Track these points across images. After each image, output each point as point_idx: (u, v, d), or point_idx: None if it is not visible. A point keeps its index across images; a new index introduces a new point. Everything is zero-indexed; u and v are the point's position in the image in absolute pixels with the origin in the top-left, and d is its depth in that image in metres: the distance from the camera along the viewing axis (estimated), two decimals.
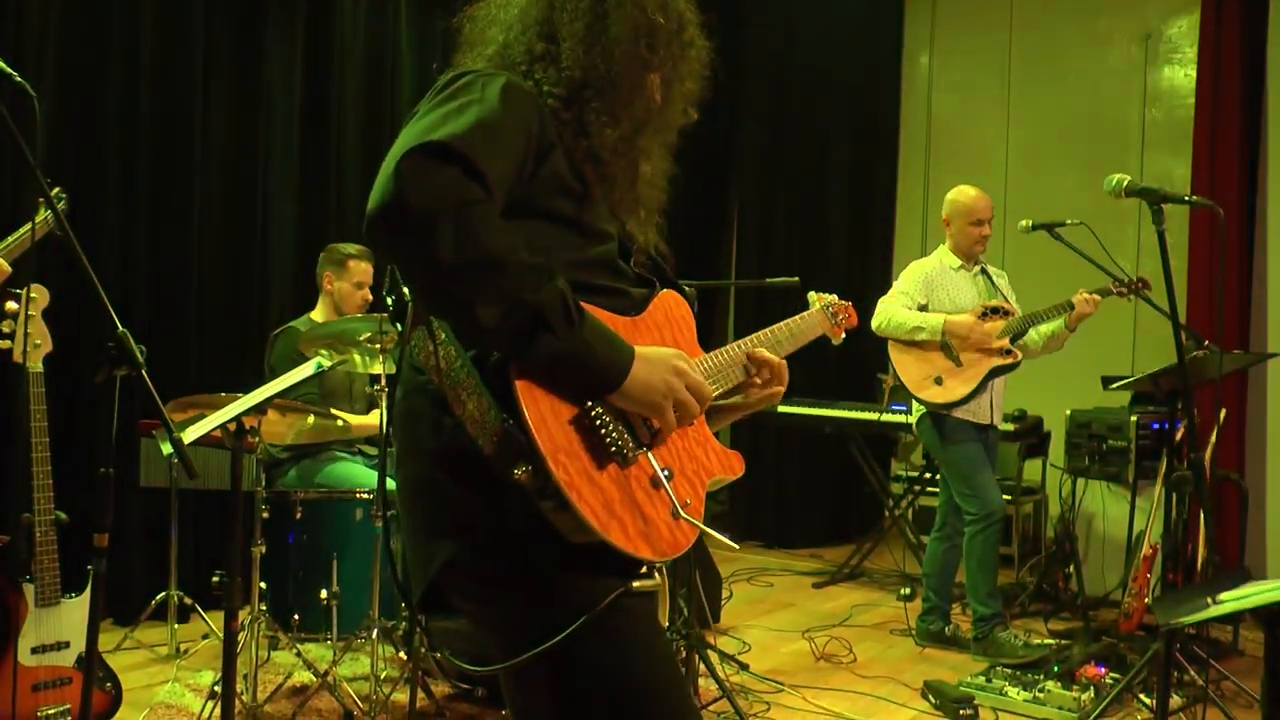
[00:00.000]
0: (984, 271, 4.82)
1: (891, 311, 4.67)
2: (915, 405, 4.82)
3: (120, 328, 2.05)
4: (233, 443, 2.87)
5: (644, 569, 1.50)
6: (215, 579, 2.72)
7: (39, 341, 3.27)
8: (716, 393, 1.73)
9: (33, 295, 3.30)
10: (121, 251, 4.86)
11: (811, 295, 2.12)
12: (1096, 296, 4.48)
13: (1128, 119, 6.79)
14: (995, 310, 4.59)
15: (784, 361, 1.84)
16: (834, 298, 2.14)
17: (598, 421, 1.48)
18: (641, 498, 1.50)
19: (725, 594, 5.49)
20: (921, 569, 5.10)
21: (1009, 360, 4.59)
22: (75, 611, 3.20)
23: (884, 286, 4.96)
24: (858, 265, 7.46)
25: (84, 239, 2.66)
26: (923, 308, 4.69)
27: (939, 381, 4.60)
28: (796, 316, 2.01)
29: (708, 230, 7.85)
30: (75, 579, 3.24)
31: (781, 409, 6.37)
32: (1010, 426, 5.73)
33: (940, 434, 4.69)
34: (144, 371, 2.04)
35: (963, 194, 4.78)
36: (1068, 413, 5.71)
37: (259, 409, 2.84)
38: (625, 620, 1.49)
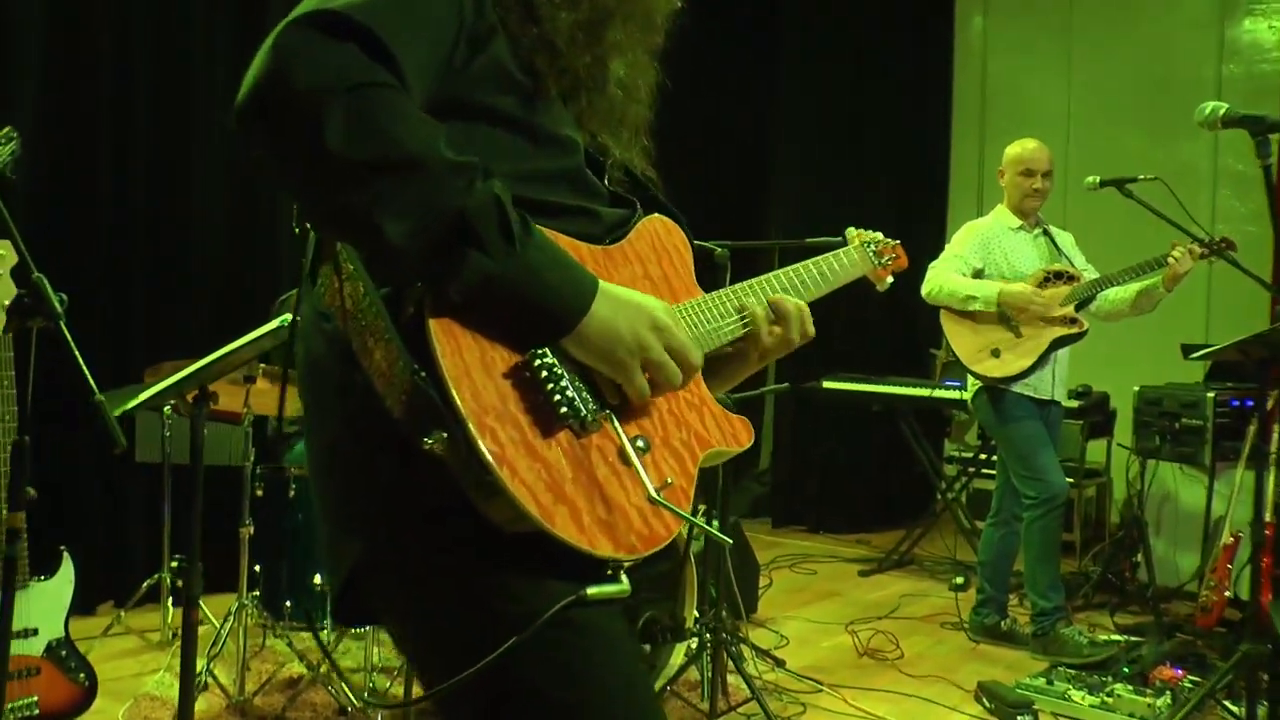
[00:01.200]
0: (1046, 232, 4.41)
1: (943, 278, 4.28)
2: (970, 380, 4.43)
3: (36, 272, 1.75)
4: (189, 410, 2.57)
5: (609, 569, 1.16)
6: (174, 563, 2.42)
7: (5, 302, 3.02)
8: (712, 347, 1.39)
9: (1, 253, 3.06)
10: (116, 217, 4.61)
11: (850, 231, 1.76)
12: (1196, 247, 4.01)
13: (1201, 76, 6.33)
14: (1059, 275, 4.19)
15: (804, 306, 1.48)
16: (878, 235, 1.77)
17: (544, 374, 1.15)
18: (604, 476, 1.17)
19: (764, 582, 5.15)
20: (976, 557, 4.72)
21: (1074, 330, 4.19)
22: (45, 596, 2.97)
23: (937, 252, 4.56)
24: (909, 231, 7.01)
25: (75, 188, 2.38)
26: (978, 273, 4.30)
27: (996, 354, 4.20)
28: (829, 254, 1.65)
29: (745, 194, 7.47)
30: (46, 560, 3.02)
31: (827, 384, 6.01)
32: (1074, 403, 5.31)
33: (997, 411, 4.30)
34: (62, 323, 1.75)
35: (1017, 144, 4.42)
36: (1136, 389, 5.29)
37: (212, 373, 2.53)
38: (577, 639, 1.16)
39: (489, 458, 1.07)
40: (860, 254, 1.72)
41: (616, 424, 1.19)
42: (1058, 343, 4.21)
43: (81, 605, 4.16)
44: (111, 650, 3.94)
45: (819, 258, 1.61)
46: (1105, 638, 4.31)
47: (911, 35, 7.21)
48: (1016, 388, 4.26)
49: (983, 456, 6.00)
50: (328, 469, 1.24)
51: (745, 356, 1.45)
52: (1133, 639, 4.28)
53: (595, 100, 1.33)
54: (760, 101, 7.40)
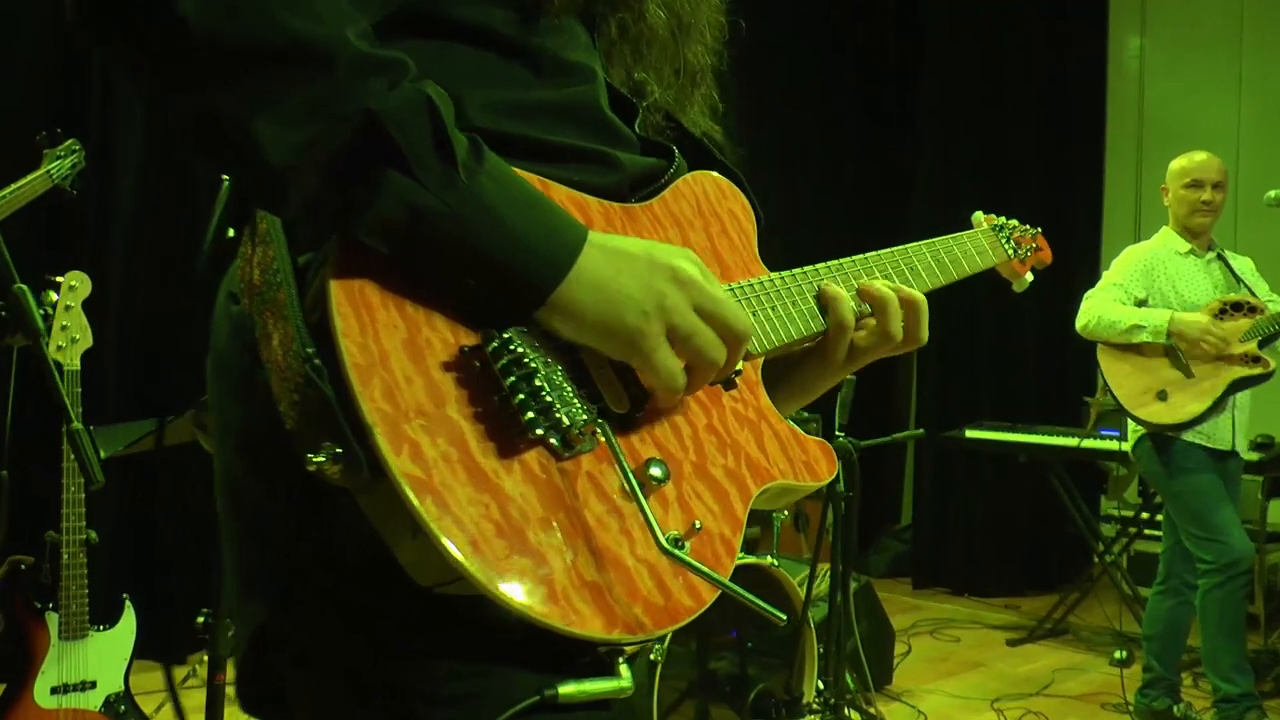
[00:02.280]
0: (1221, 257, 3.90)
1: (1102, 308, 3.81)
2: (1132, 427, 3.92)
3: (18, 283, 1.54)
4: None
5: (603, 655, 0.83)
6: (200, 619, 2.19)
7: (77, 336, 2.90)
8: (778, 343, 1.05)
9: (73, 284, 2.94)
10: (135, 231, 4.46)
11: (977, 216, 1.40)
12: None
13: None
14: (1238, 306, 3.68)
15: (916, 295, 1.14)
16: (1014, 222, 1.41)
17: (505, 364, 0.84)
18: (596, 518, 0.85)
19: (901, 649, 4.69)
20: (1141, 629, 4.16)
21: (1256, 370, 3.66)
22: (105, 646, 2.82)
23: (1090, 284, 4.09)
24: (1060, 261, 6.47)
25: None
26: (1141, 303, 3.83)
27: (1163, 396, 3.70)
28: (949, 236, 1.30)
29: (886, 220, 7.06)
30: (107, 608, 2.85)
31: (970, 433, 5.52)
32: (1254, 456, 4.70)
33: (1165, 462, 3.79)
34: (42, 340, 1.53)
35: (1182, 157, 3.95)
36: None
37: None
38: None
39: (403, 483, 0.76)
40: (990, 240, 1.36)
41: (612, 437, 0.86)
42: (1237, 385, 3.69)
43: (168, 653, 4.04)
44: (194, 703, 3.75)
45: (935, 239, 1.26)
46: None
47: (1060, 57, 6.75)
48: (1188, 436, 3.74)
49: (1145, 515, 5.39)
50: (228, 499, 0.95)
51: (826, 359, 1.10)
52: None
53: (629, 24, 1.03)
54: (902, 124, 7.04)
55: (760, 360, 1.05)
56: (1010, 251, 1.37)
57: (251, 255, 0.89)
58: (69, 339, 2.87)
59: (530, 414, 0.83)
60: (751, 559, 3.24)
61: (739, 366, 1.00)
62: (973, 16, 6.59)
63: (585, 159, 0.97)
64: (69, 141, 3.04)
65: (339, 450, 0.76)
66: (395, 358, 0.80)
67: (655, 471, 0.87)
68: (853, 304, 1.10)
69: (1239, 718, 3.70)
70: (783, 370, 1.11)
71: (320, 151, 0.77)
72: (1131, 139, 6.78)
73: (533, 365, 0.84)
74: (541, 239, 0.84)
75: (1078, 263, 6.45)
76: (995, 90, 6.65)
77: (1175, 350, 3.70)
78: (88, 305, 2.90)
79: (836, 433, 3.32)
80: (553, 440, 0.84)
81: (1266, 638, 5.02)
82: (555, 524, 0.82)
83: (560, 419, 0.84)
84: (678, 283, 0.88)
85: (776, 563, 3.32)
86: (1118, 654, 4.82)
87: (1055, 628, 5.42)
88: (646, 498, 0.86)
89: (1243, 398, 3.80)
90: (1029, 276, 1.41)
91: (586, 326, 0.86)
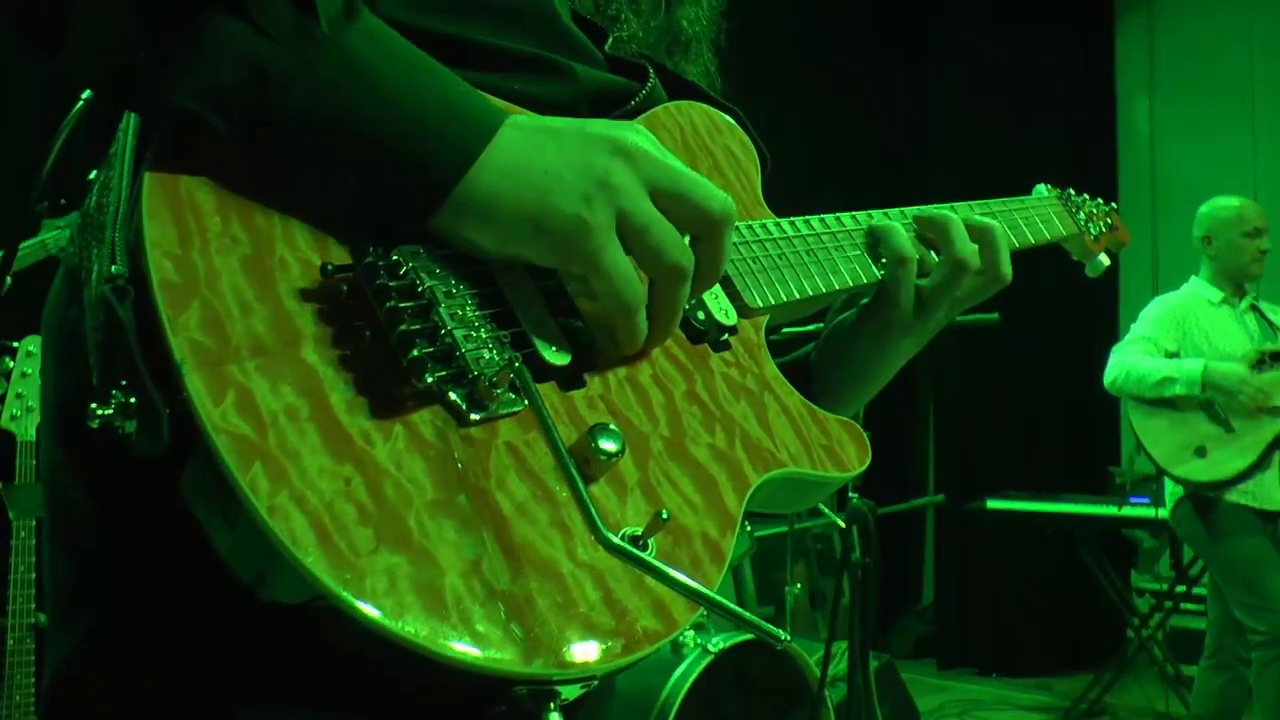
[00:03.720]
0: (1255, 307, 3.68)
1: (1131, 361, 3.59)
2: (1170, 489, 3.66)
3: None
4: None
5: (521, 697, 0.61)
6: None
7: (33, 404, 2.70)
8: (789, 298, 0.85)
9: (29, 350, 2.75)
10: None
11: (1041, 187, 1.20)
12: None
13: None
14: (1277, 356, 3.45)
15: (993, 223, 0.94)
16: (1085, 195, 1.22)
17: (390, 287, 0.64)
18: (519, 504, 0.64)
19: None
20: (1190, 708, 3.85)
21: None
22: None
23: (1107, 343, 3.88)
24: (1076, 317, 6.27)
25: None
26: (1172, 356, 3.61)
27: (1202, 453, 3.46)
28: (1011, 198, 1.10)
29: None
30: None
31: (992, 504, 5.24)
32: None
33: (1209, 525, 3.54)
34: None
35: (1224, 204, 3.75)
36: None
37: None
38: None
39: (217, 441, 0.56)
40: (1058, 210, 1.15)
41: (530, 383, 0.64)
42: None
43: None
44: None
45: (992, 200, 1.06)
46: None
47: (1069, 119, 6.64)
48: (1232, 496, 3.49)
49: (1181, 589, 5.09)
50: (48, 500, 0.74)
51: (890, 316, 0.90)
52: None
53: None
54: (909, 191, 6.89)
55: (764, 321, 0.85)
56: (1081, 224, 1.17)
57: (95, 182, 0.70)
58: (24, 408, 2.68)
59: (416, 352, 0.61)
60: (759, 624, 2.98)
61: (731, 321, 0.79)
62: (982, 80, 6.50)
63: (531, 67, 0.78)
64: (73, 214, 2.87)
65: (132, 400, 0.56)
66: (229, 278, 0.60)
67: (605, 444, 0.65)
68: (910, 238, 0.89)
69: None
70: (835, 348, 0.92)
71: None
72: (1145, 196, 6.64)
73: (427, 294, 0.64)
74: (440, 114, 0.64)
75: (1096, 320, 6.25)
76: (1006, 150, 6.53)
77: (1212, 404, 3.47)
78: None
79: (850, 494, 3.08)
80: (453, 395, 0.63)
81: None
82: (453, 510, 0.60)
83: (464, 364, 0.63)
84: (624, 155, 0.68)
85: (789, 638, 3.06)
86: None
87: (1092, 709, 5.12)
88: (595, 478, 0.65)
89: None
90: (1104, 258, 1.21)
91: (504, 226, 0.65)
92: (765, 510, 0.78)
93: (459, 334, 0.64)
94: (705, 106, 0.90)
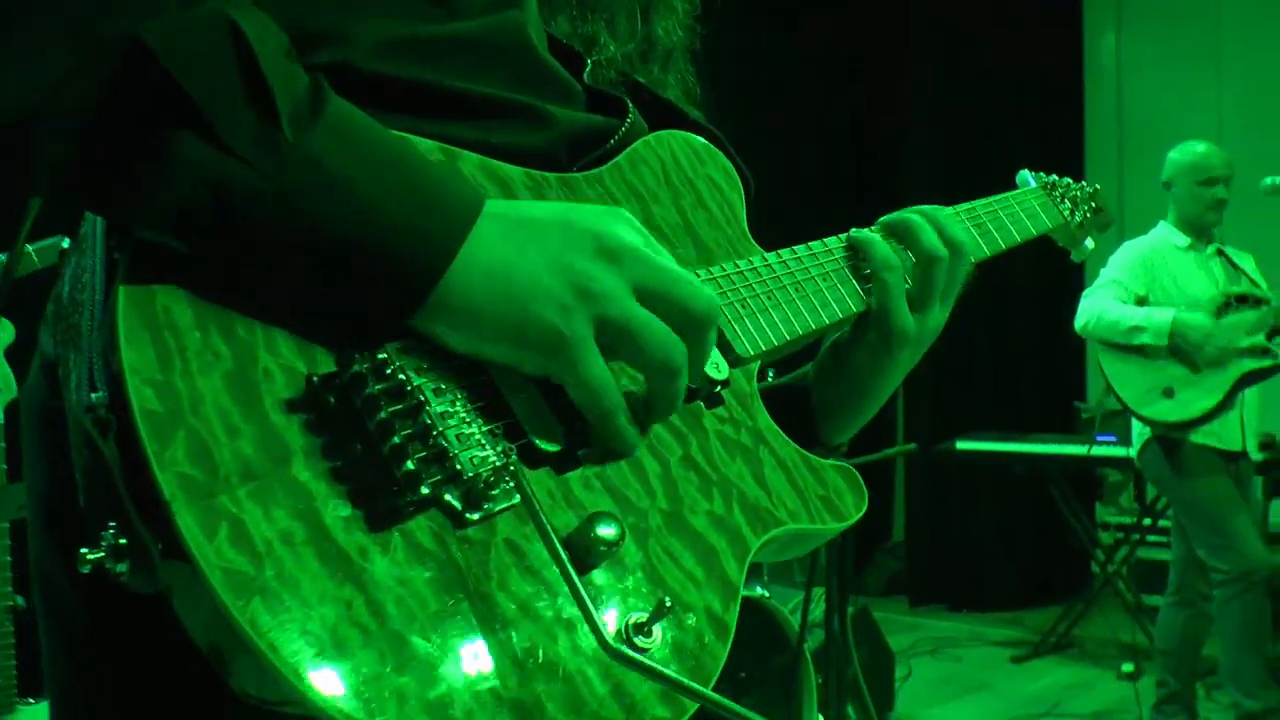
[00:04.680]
0: (1221, 253, 3.71)
1: (1102, 307, 3.62)
2: (1138, 430, 3.72)
3: None
4: None
5: None
6: None
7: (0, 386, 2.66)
8: (779, 341, 0.84)
9: None
10: None
11: (1024, 174, 1.19)
12: None
13: None
14: (1242, 299, 3.50)
15: (941, 208, 0.95)
16: (1067, 179, 1.21)
17: (375, 393, 0.62)
18: (524, 603, 0.63)
19: (901, 672, 4.46)
20: (1154, 643, 3.95)
21: (1266, 363, 3.48)
22: None
23: (1076, 287, 3.91)
24: (1043, 263, 6.29)
25: None
26: (1142, 301, 3.64)
27: (1170, 394, 3.50)
28: (1001, 196, 1.10)
29: (865, 225, 6.91)
30: (39, 680, 2.61)
31: (962, 445, 5.30)
32: (1258, 456, 4.52)
33: (1175, 466, 3.59)
34: None
35: (1188, 149, 3.75)
36: None
37: None
38: None
39: (213, 581, 0.55)
40: (1042, 201, 1.15)
41: (526, 484, 0.64)
42: (1247, 379, 3.50)
43: None
44: None
45: (977, 201, 1.05)
46: None
47: (1036, 55, 6.60)
48: (1197, 437, 3.54)
49: (1146, 522, 5.19)
50: (39, 589, 0.73)
51: (886, 332, 0.89)
52: None
53: None
54: (882, 134, 6.87)
55: (755, 368, 0.84)
56: (1067, 213, 1.16)
57: (66, 267, 0.68)
58: None
59: (411, 464, 0.60)
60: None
61: (723, 375, 0.78)
62: (954, 19, 6.45)
63: (507, 113, 0.75)
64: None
65: (123, 541, 0.55)
66: (212, 400, 0.58)
67: (604, 531, 0.65)
68: (890, 245, 0.90)
69: None
70: (835, 366, 0.91)
71: (70, 98, 0.55)
72: (1112, 137, 6.64)
73: (416, 394, 0.63)
74: (412, 211, 0.62)
75: (1062, 260, 6.28)
76: (975, 91, 6.50)
77: (1180, 348, 3.51)
78: (11, 354, 2.65)
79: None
80: (449, 498, 0.62)
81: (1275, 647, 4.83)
82: (457, 619, 0.60)
83: (457, 465, 0.62)
84: (607, 255, 0.66)
85: (768, 594, 3.10)
86: (1125, 667, 4.62)
87: (1061, 641, 5.22)
88: (597, 565, 0.64)
89: (1250, 396, 3.61)
90: (1090, 243, 1.21)
91: (485, 332, 0.64)
92: (760, 560, 0.78)
93: (451, 434, 0.63)
94: (685, 135, 0.87)
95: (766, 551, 0.77)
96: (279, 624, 0.55)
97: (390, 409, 0.62)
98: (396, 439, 0.61)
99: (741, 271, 0.84)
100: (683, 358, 0.68)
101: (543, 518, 0.62)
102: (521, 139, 0.75)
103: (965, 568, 6.35)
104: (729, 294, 0.82)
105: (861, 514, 0.82)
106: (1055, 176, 1.18)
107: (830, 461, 0.83)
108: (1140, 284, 3.67)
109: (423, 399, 0.63)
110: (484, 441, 0.64)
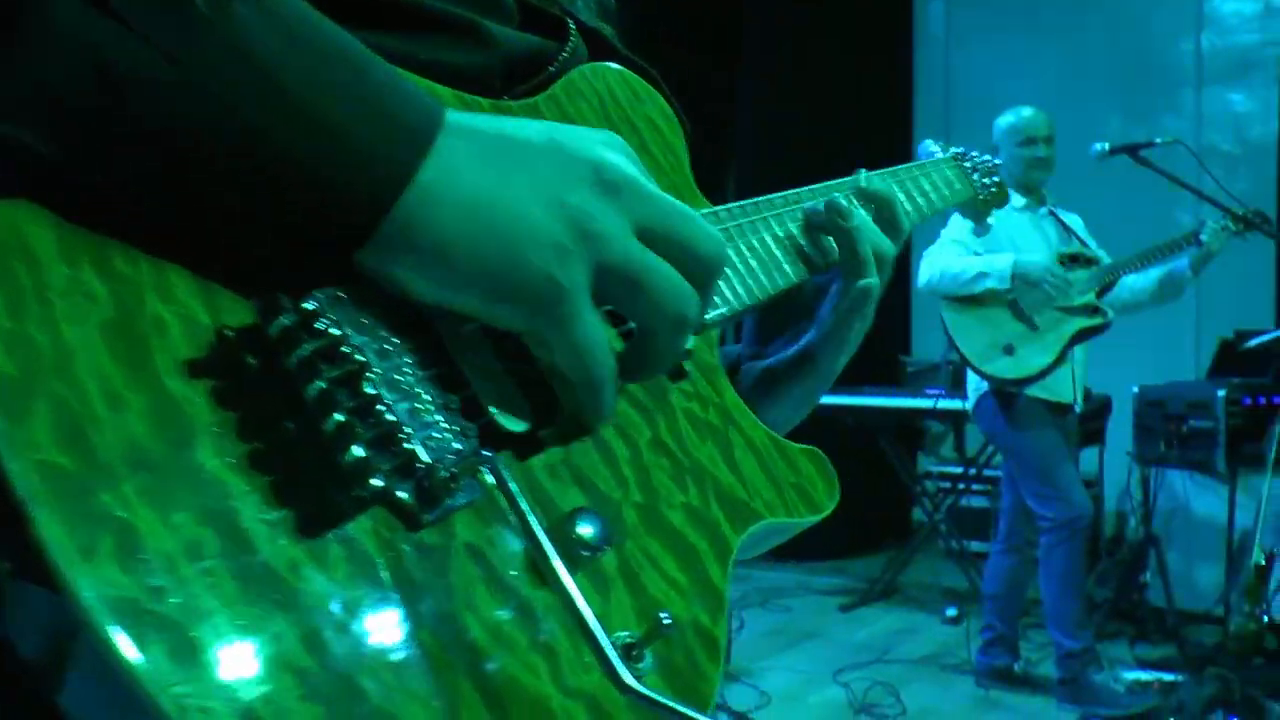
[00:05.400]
0: (1053, 214, 3.83)
1: (945, 261, 3.67)
2: (974, 384, 3.81)
3: None
4: None
5: None
6: None
7: None
8: (751, 301, 0.75)
9: None
10: None
11: (929, 142, 1.12)
12: (1230, 224, 3.47)
13: (1179, 49, 5.91)
14: (1075, 258, 3.62)
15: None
16: (975, 152, 1.14)
17: (308, 354, 0.48)
18: (491, 625, 0.50)
19: (734, 624, 4.49)
20: (983, 589, 4.10)
21: (1097, 320, 3.61)
22: None
23: (913, 251, 3.97)
24: None
25: None
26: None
27: (1010, 350, 3.59)
28: (912, 164, 1.02)
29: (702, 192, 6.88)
30: None
31: None
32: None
33: (1009, 419, 3.70)
34: None
35: (1010, 113, 3.84)
36: (1135, 389, 4.73)
37: None
38: None
39: (92, 613, 0.39)
40: (956, 172, 1.08)
41: (507, 481, 0.51)
42: (1080, 336, 3.62)
43: None
44: None
45: (898, 167, 0.97)
46: (1132, 677, 3.74)
47: (867, 24, 6.67)
48: (1031, 391, 3.65)
49: (972, 473, 5.39)
50: None
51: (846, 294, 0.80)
52: (1166, 679, 3.71)
53: None
54: (715, 106, 6.82)
55: (715, 337, 0.73)
56: (974, 185, 1.09)
57: None
58: None
59: (359, 448, 0.47)
60: None
61: (690, 343, 0.67)
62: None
63: (442, 27, 0.63)
64: None
65: None
66: (86, 359, 0.43)
67: (585, 530, 0.53)
68: (861, 220, 0.80)
69: (1080, 672, 3.66)
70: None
71: None
72: (939, 101, 6.81)
73: (356, 357, 0.49)
74: (359, 115, 0.48)
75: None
76: (805, 61, 6.52)
77: (1017, 303, 3.60)
78: None
79: None
80: (400, 494, 0.49)
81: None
82: (416, 653, 0.47)
83: (412, 452, 0.48)
84: (606, 188, 0.53)
85: None
86: (950, 611, 4.80)
87: (887, 588, 5.37)
88: (575, 574, 0.52)
89: (1079, 352, 3.75)
90: (992, 219, 1.15)
91: (459, 278, 0.51)
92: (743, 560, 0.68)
93: (403, 410, 0.49)
94: (621, 70, 0.75)
95: (750, 543, 0.66)
96: (188, 676, 0.40)
97: (327, 375, 0.47)
98: (340, 415, 0.47)
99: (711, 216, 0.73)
100: (696, 308, 0.56)
101: (533, 521, 0.50)
102: (454, 57, 0.62)
103: None
104: None
105: (835, 506, 0.73)
106: (962, 148, 1.11)
107: (801, 446, 0.73)
108: (978, 243, 3.73)
109: (364, 362, 0.49)
110: (442, 420, 0.50)
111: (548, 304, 0.51)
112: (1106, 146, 3.58)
